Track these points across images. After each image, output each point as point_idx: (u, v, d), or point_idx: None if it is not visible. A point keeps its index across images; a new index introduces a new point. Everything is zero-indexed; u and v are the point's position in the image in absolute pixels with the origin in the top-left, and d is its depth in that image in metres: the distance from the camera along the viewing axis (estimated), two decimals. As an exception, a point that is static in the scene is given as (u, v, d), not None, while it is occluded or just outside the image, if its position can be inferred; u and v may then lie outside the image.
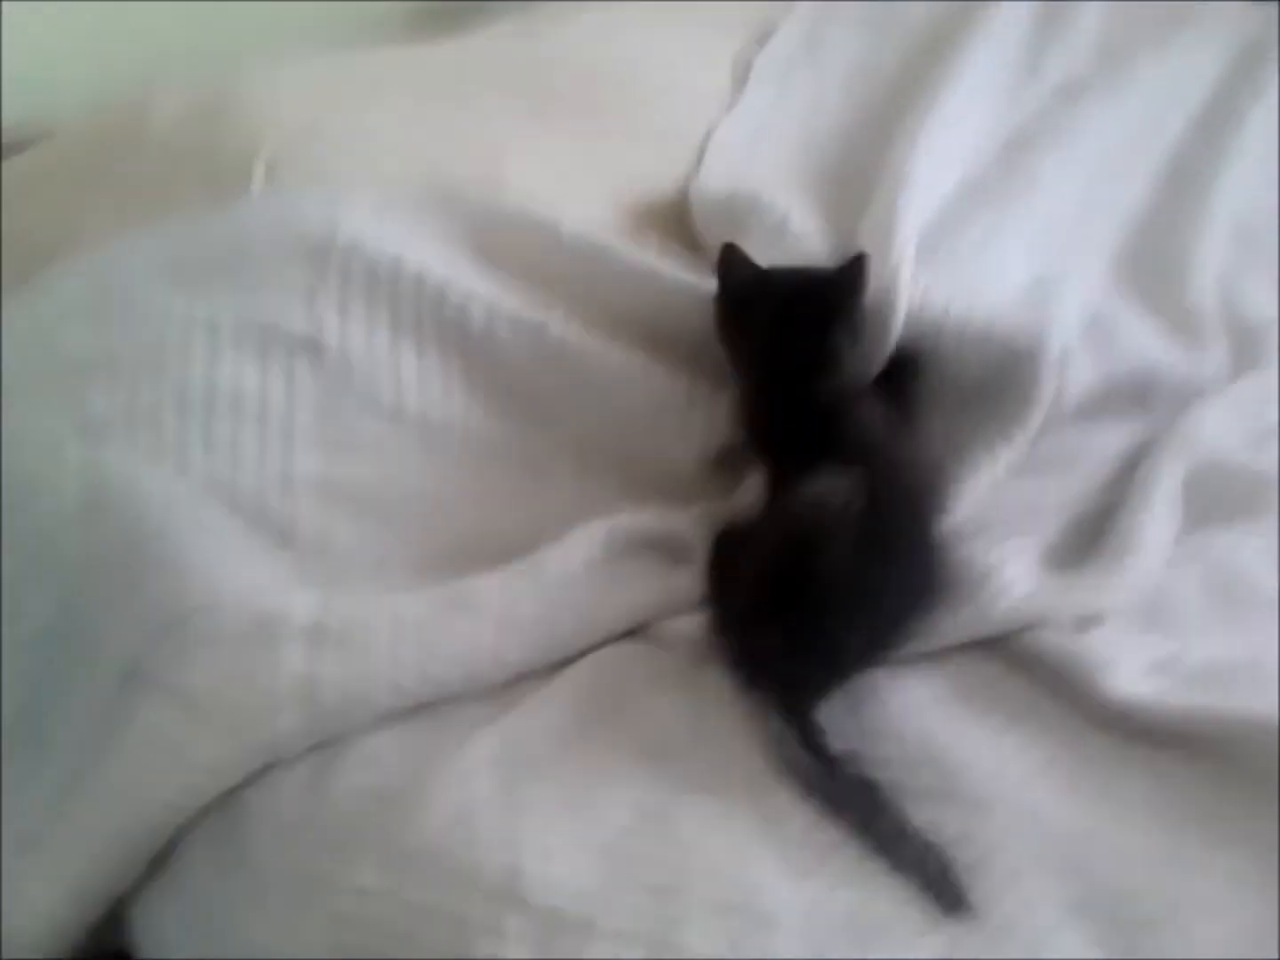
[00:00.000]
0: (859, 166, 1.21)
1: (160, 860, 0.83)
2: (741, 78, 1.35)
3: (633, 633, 0.90)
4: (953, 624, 0.88)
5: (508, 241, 1.06)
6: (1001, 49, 1.43)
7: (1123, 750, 0.80)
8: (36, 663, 0.92)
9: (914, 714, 0.83)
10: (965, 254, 1.13)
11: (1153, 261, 1.26)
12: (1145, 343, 1.12)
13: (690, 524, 0.94)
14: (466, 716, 0.83)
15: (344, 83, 1.18)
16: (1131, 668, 0.84)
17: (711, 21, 1.40)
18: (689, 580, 0.91)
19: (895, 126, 1.25)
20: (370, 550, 0.92)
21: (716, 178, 1.19)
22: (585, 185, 1.12)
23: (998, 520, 0.96)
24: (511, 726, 0.81)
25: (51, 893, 0.84)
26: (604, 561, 0.90)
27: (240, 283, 1.00)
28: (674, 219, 1.14)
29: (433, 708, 0.84)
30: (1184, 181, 1.37)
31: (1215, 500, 0.99)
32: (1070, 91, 1.43)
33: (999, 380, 1.01)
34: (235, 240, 1.03)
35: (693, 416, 1.01)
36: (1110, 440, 1.05)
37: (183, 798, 0.81)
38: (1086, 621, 0.88)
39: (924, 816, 0.76)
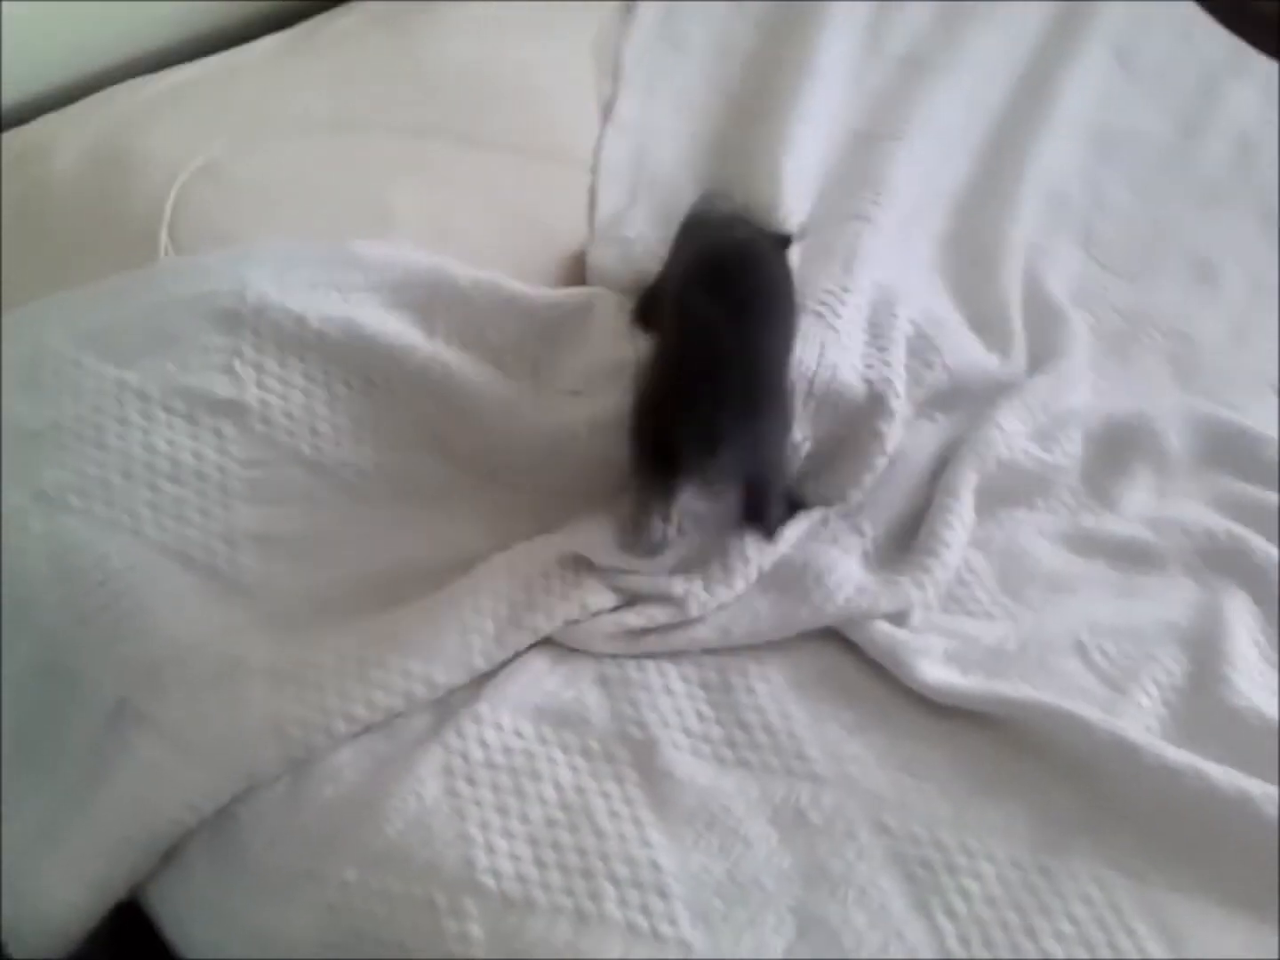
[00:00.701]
0: (737, 176, 1.36)
1: (170, 857, 1.01)
2: (609, 69, 1.46)
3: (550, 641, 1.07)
4: (797, 618, 1.08)
5: (406, 284, 1.19)
6: (849, 27, 1.55)
7: (927, 725, 1.02)
8: (27, 698, 1.07)
9: (777, 698, 1.04)
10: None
11: (970, 247, 1.43)
12: (962, 344, 1.28)
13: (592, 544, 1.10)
14: (411, 731, 1.01)
15: (234, 118, 1.26)
16: (936, 654, 1.06)
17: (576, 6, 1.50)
18: (593, 593, 1.07)
19: (762, 127, 1.40)
20: (311, 593, 1.07)
21: (609, 243, 1.30)
22: (472, 214, 1.25)
23: (833, 518, 1.16)
24: (451, 739, 1.00)
25: (72, 885, 1.02)
26: (508, 590, 1.05)
27: (163, 350, 1.12)
28: (560, 242, 1.27)
29: (383, 725, 1.01)
30: (1002, 156, 1.54)
31: (1004, 493, 1.18)
32: (910, 69, 1.57)
33: (840, 441, 1.16)
34: (153, 307, 1.14)
35: (593, 444, 1.14)
36: (923, 443, 1.21)
37: (182, 813, 0.98)
38: (902, 614, 1.09)
39: (782, 791, 0.98)
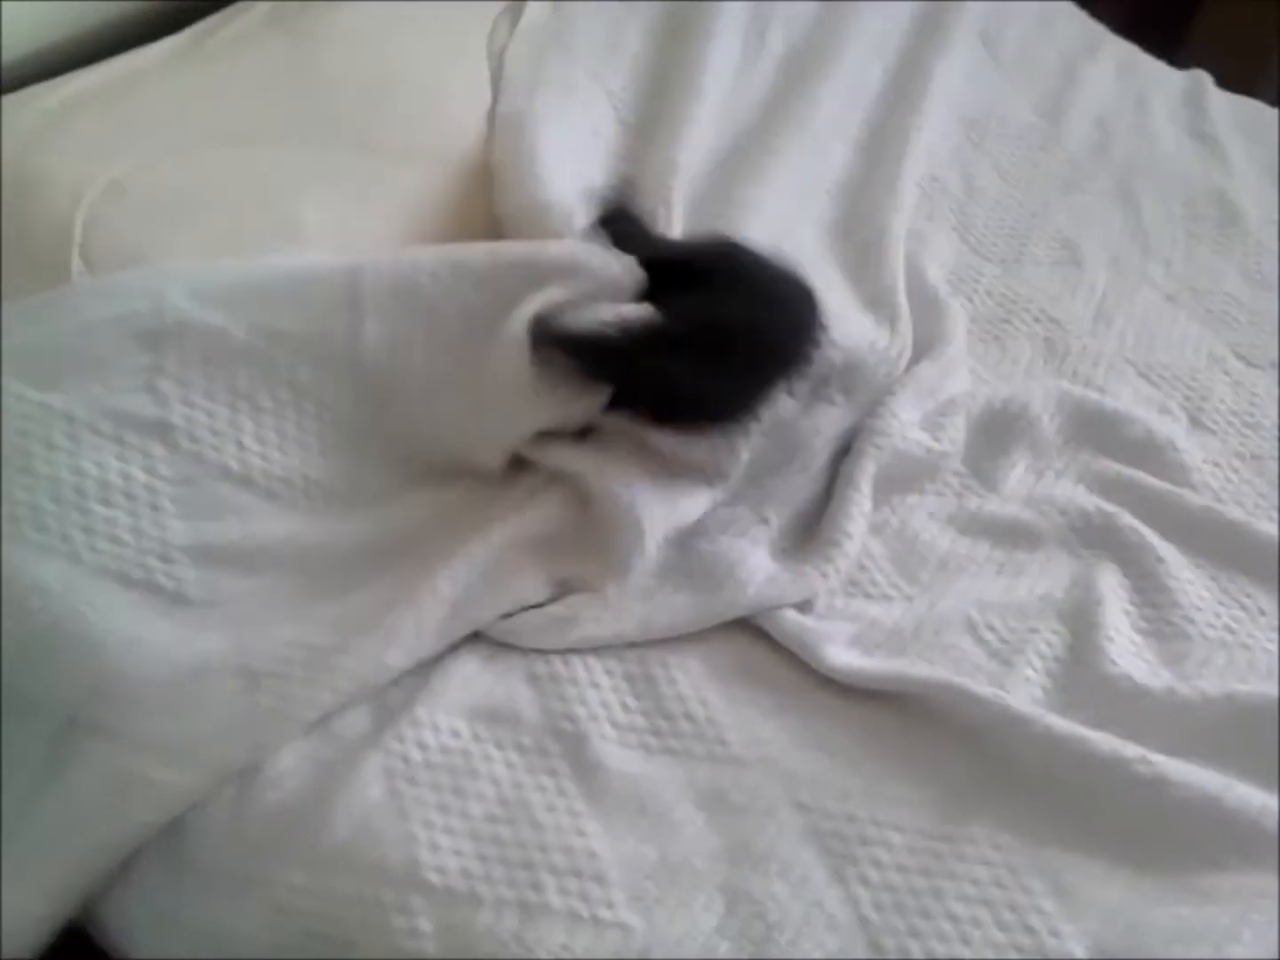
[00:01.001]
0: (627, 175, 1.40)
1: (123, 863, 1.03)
2: (497, 70, 1.49)
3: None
4: (711, 611, 1.14)
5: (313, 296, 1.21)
6: (734, 28, 1.60)
7: (836, 706, 1.10)
8: None
9: (696, 686, 1.10)
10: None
11: (857, 235, 1.49)
12: (855, 330, 1.33)
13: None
14: (351, 736, 1.06)
15: (135, 133, 1.25)
16: (841, 639, 1.14)
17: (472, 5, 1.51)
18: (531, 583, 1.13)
19: (659, 130, 1.45)
20: (257, 597, 1.10)
21: None
22: (379, 225, 1.27)
23: (741, 510, 1.23)
24: (390, 743, 1.05)
25: (30, 895, 1.03)
26: (465, 575, 1.10)
27: (87, 372, 1.12)
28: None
29: (321, 725, 1.06)
30: (880, 144, 1.60)
31: (898, 479, 1.27)
32: (793, 59, 1.62)
33: None
34: (73, 329, 1.14)
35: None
36: (823, 428, 1.26)
37: (154, 814, 1.01)
38: (808, 602, 1.17)
39: (706, 776, 1.05)
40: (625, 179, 1.39)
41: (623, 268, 1.18)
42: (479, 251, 1.22)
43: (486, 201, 1.35)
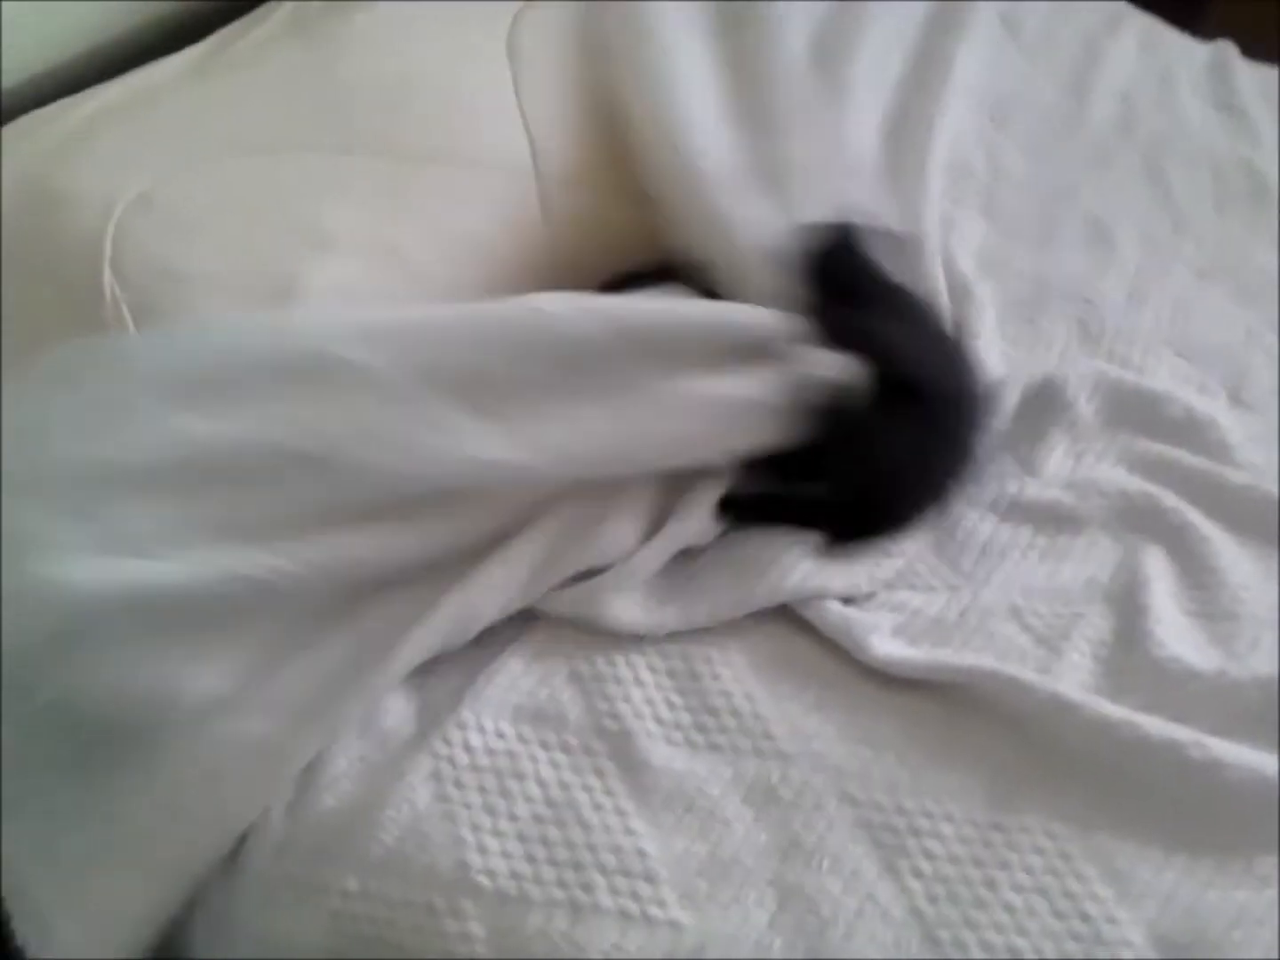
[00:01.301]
0: None
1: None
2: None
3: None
4: (754, 597, 1.14)
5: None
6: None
7: (880, 697, 1.09)
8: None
9: (740, 681, 1.10)
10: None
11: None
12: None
13: None
14: (399, 739, 1.07)
15: (160, 145, 1.25)
16: (885, 629, 1.13)
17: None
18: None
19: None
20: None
21: None
22: (409, 232, 1.26)
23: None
24: (437, 746, 1.05)
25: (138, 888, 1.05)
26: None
27: None
28: (501, 257, 1.30)
29: (371, 725, 1.07)
30: (908, 132, 1.57)
31: None
32: (814, 53, 1.61)
33: None
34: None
35: None
36: None
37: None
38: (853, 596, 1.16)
39: (753, 771, 1.05)
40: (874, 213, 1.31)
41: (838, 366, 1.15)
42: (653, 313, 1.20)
43: (512, 199, 1.34)
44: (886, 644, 1.11)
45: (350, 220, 1.25)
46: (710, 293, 1.26)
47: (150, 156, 1.23)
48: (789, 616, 1.15)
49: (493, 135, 1.37)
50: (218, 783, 1.03)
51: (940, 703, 1.09)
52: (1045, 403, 1.33)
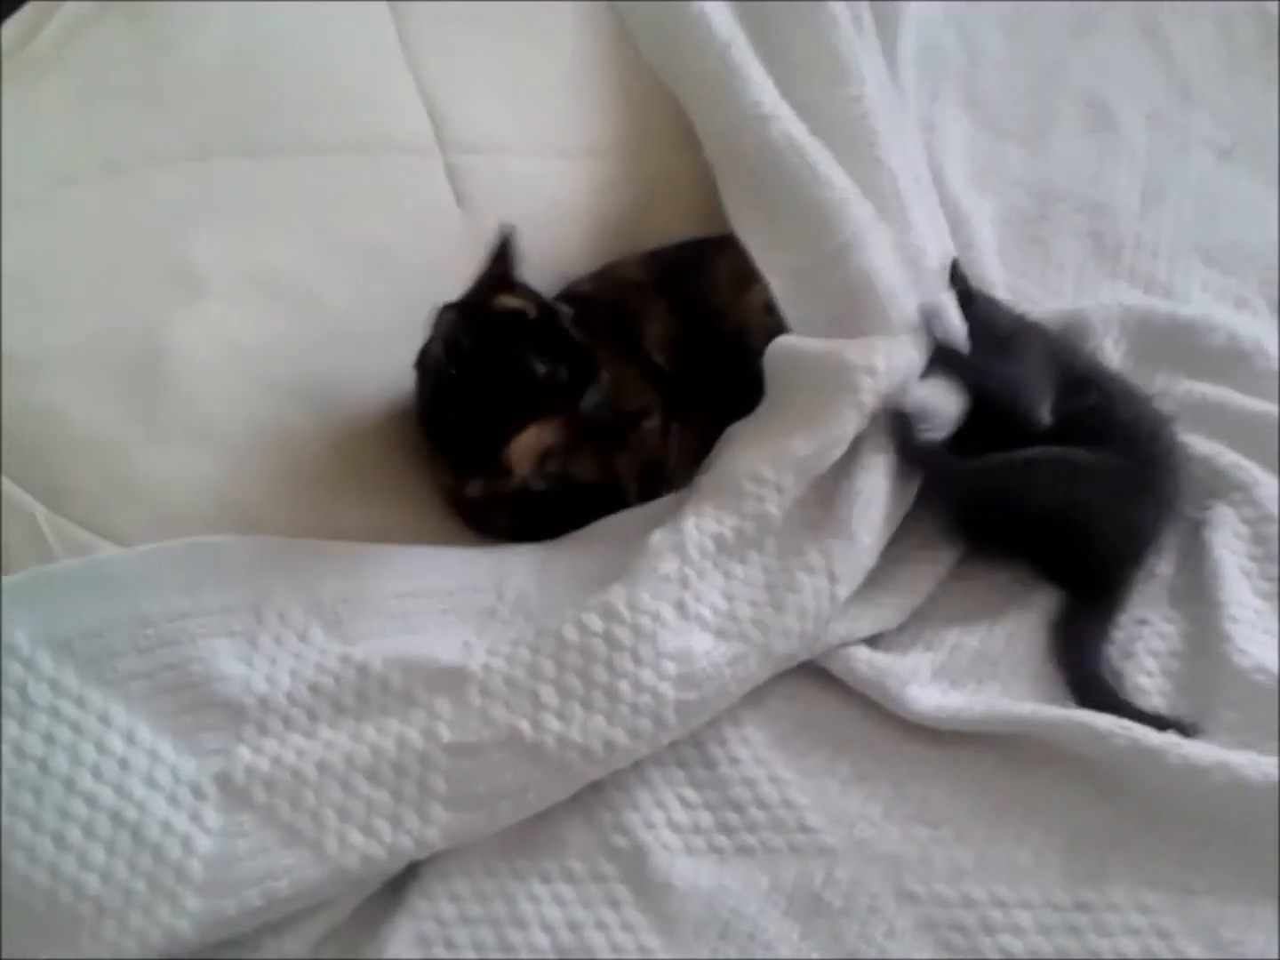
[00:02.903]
0: None
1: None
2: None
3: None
4: (772, 650, 0.97)
5: None
6: None
7: (925, 756, 0.94)
8: None
9: (763, 761, 0.94)
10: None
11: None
12: None
13: None
14: (370, 905, 0.90)
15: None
16: (924, 674, 0.97)
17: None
18: None
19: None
20: None
21: None
22: (291, 250, 1.05)
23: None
24: (418, 904, 0.89)
25: None
26: None
27: None
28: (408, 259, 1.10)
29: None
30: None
31: None
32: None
33: None
34: None
35: None
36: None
37: None
38: (876, 638, 1.00)
39: (793, 875, 0.89)
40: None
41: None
42: None
43: (414, 186, 1.12)
44: (928, 693, 0.96)
45: (219, 249, 1.04)
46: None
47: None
48: (810, 671, 0.99)
49: (381, 111, 1.13)
50: None
51: (1000, 758, 0.94)
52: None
